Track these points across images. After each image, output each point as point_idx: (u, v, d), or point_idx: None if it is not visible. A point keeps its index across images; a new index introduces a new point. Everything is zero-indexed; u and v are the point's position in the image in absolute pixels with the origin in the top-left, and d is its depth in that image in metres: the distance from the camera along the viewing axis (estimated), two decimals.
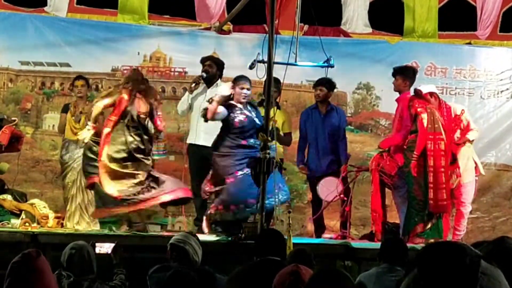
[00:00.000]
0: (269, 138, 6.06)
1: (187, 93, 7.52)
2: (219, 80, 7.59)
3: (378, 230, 7.09)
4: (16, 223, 6.52)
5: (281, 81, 6.61)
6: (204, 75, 7.40)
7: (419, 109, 6.78)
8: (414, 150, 6.75)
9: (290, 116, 8.13)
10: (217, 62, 7.63)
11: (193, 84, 7.41)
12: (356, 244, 6.65)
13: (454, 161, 6.96)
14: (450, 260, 1.56)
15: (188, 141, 7.53)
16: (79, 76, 7.35)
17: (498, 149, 9.42)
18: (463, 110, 7.33)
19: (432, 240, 6.26)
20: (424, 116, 6.72)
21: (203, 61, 7.57)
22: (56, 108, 8.69)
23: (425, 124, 6.71)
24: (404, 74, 7.43)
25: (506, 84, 9.53)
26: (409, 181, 6.83)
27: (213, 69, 7.46)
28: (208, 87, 7.49)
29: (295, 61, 6.56)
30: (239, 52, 9.14)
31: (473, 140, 7.22)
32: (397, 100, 7.52)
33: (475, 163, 7.22)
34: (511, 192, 9.43)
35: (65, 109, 7.24)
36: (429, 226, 6.77)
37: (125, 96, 6.43)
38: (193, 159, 7.48)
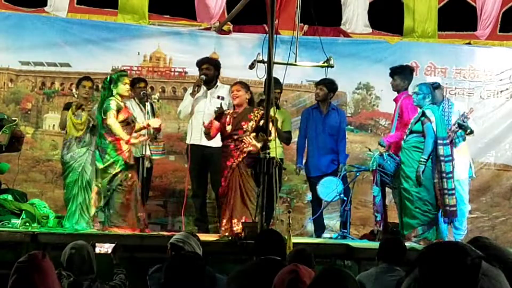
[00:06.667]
0: (269, 138, 6.08)
1: (189, 97, 7.50)
2: (218, 80, 7.62)
3: (380, 230, 7.10)
4: (16, 223, 6.52)
5: (282, 81, 6.63)
6: (204, 78, 7.43)
7: (427, 112, 6.70)
8: (421, 152, 6.69)
9: (289, 115, 8.14)
10: (214, 63, 7.65)
11: (196, 88, 7.42)
12: (356, 244, 6.65)
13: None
14: (451, 260, 1.56)
15: (191, 141, 7.52)
16: (87, 77, 7.30)
17: (498, 149, 9.43)
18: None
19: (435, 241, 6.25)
20: (433, 119, 6.65)
21: (200, 64, 7.59)
22: (56, 108, 8.70)
23: (434, 129, 6.66)
24: (402, 74, 7.45)
25: (505, 84, 9.53)
26: (416, 183, 6.74)
27: (211, 71, 7.50)
28: (208, 89, 7.52)
29: (295, 61, 6.56)
30: (239, 52, 9.15)
31: (472, 132, 7.10)
32: (395, 99, 7.53)
33: (470, 164, 7.21)
34: (511, 192, 9.44)
35: (67, 108, 7.23)
36: (429, 229, 6.72)
37: None
38: (195, 159, 7.49)
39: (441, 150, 6.65)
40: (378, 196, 7.08)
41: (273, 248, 4.05)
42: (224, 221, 6.58)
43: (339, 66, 7.30)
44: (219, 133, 6.77)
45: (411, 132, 6.84)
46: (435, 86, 6.99)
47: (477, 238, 2.15)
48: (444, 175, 6.63)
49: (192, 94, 7.46)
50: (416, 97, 6.81)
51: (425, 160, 6.63)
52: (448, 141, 6.71)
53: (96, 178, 6.69)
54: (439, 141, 6.65)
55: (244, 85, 6.86)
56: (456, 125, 6.91)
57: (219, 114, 6.75)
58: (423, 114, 6.72)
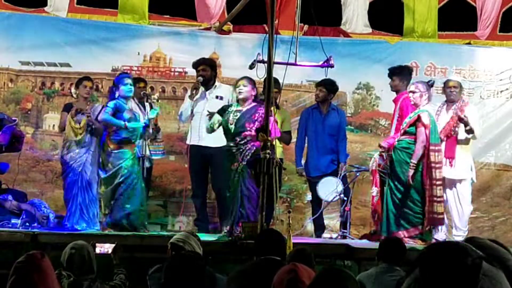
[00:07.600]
0: (269, 138, 6.07)
1: (188, 100, 7.49)
2: (216, 80, 7.60)
3: (378, 230, 7.09)
4: (16, 223, 6.52)
5: (281, 81, 6.61)
6: (201, 79, 7.41)
7: (422, 115, 6.65)
8: (411, 154, 6.61)
9: (289, 115, 8.14)
10: (210, 63, 7.61)
11: (194, 91, 7.40)
12: (356, 244, 6.65)
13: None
14: (451, 260, 1.56)
15: (190, 142, 7.53)
16: (88, 77, 7.32)
17: (498, 149, 9.42)
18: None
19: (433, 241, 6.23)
20: (428, 124, 6.61)
21: (196, 66, 7.56)
22: (56, 108, 8.70)
23: (427, 134, 6.59)
24: (401, 74, 7.43)
25: (505, 84, 9.52)
26: (406, 185, 6.72)
27: (207, 72, 7.46)
28: (207, 90, 7.49)
29: (295, 61, 6.55)
30: (239, 52, 9.15)
31: (472, 132, 7.07)
32: (394, 100, 7.51)
33: (471, 167, 7.18)
34: (511, 192, 9.43)
35: (66, 108, 7.23)
36: (422, 230, 6.68)
37: None
38: (194, 160, 7.51)
39: (433, 157, 6.56)
40: (376, 197, 7.06)
41: (273, 248, 4.04)
42: (226, 223, 6.62)
43: (339, 66, 7.29)
44: (222, 133, 6.73)
45: (405, 132, 6.77)
46: (431, 84, 6.98)
47: (472, 238, 2.15)
48: (434, 181, 6.56)
49: (191, 97, 7.44)
50: (412, 95, 6.77)
51: (414, 164, 6.55)
52: (439, 148, 6.66)
53: (100, 186, 6.76)
54: (431, 147, 6.57)
55: (251, 81, 6.73)
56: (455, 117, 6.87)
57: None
58: (418, 118, 6.65)
